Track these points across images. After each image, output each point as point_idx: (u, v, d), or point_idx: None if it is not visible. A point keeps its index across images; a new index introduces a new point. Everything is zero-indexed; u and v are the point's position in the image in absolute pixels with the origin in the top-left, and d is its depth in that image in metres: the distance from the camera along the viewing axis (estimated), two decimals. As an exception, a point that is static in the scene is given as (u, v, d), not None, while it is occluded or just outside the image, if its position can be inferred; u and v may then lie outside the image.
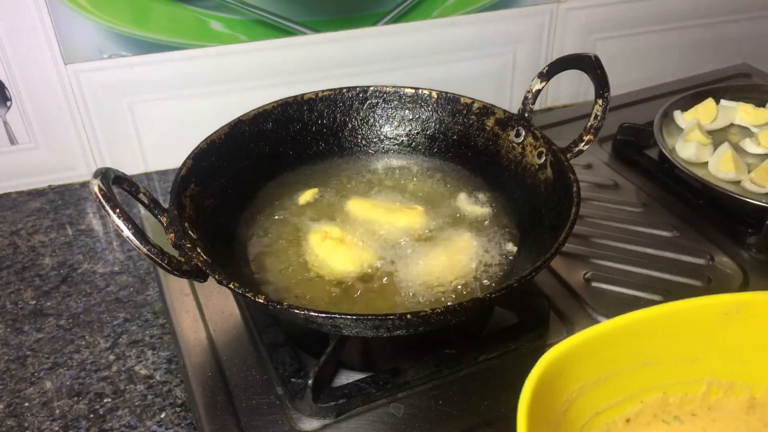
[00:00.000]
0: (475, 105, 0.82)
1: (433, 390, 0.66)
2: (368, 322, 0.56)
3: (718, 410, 0.57)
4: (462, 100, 0.83)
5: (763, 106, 1.04)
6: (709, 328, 0.56)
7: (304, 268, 0.72)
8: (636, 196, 0.94)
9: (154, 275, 0.86)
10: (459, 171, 0.84)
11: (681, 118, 1.02)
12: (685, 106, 1.04)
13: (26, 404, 0.71)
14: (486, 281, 0.70)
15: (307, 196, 0.81)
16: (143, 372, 0.74)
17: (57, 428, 0.68)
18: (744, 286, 0.78)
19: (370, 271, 0.71)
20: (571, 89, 1.27)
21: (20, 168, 1.03)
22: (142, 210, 0.77)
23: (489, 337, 0.71)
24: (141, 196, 0.66)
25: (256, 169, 0.80)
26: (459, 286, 0.69)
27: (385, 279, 0.70)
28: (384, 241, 0.74)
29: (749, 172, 0.90)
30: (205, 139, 0.74)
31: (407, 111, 0.86)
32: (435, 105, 0.85)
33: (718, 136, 1.00)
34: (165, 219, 0.66)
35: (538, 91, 0.80)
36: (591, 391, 0.54)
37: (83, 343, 0.78)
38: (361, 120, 0.86)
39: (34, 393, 0.72)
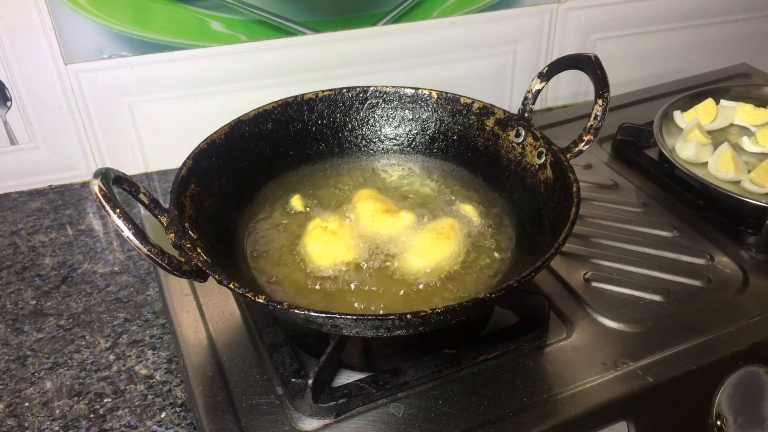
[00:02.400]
0: (475, 105, 0.82)
1: (433, 390, 0.66)
2: (368, 322, 0.56)
3: None
4: (462, 100, 0.83)
5: (763, 106, 1.04)
6: None
7: (303, 266, 0.72)
8: (636, 196, 0.94)
9: (154, 275, 0.86)
10: (459, 171, 0.84)
11: (681, 118, 1.02)
12: (685, 106, 1.04)
13: (26, 404, 0.71)
14: (485, 281, 0.70)
15: (294, 202, 0.80)
16: (143, 372, 0.74)
17: (57, 428, 0.68)
18: (744, 286, 0.78)
19: (344, 270, 0.70)
20: (571, 89, 1.27)
21: (20, 168, 1.03)
22: (142, 210, 0.77)
23: (489, 337, 0.71)
24: (141, 196, 0.66)
25: (256, 169, 0.80)
26: (455, 287, 0.69)
27: (369, 276, 0.70)
28: (371, 241, 0.74)
29: (749, 172, 0.90)
30: (205, 139, 0.75)
31: (407, 111, 0.86)
32: (435, 105, 0.85)
33: (717, 136, 1.00)
34: (165, 219, 0.66)
35: (538, 91, 0.80)
36: None
37: (83, 343, 0.78)
38: (361, 120, 0.86)
39: (34, 393, 0.72)
